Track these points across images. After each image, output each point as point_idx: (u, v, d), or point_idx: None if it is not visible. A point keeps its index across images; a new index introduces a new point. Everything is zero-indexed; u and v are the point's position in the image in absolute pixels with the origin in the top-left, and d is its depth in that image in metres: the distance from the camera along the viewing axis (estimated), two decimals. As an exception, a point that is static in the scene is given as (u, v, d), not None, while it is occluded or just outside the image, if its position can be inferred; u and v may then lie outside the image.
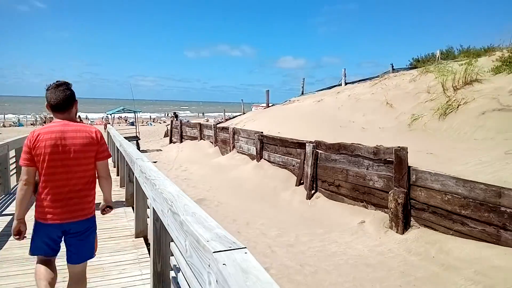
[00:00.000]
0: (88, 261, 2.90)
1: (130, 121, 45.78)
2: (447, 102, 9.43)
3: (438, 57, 19.57)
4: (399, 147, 6.17)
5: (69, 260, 2.79)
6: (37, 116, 52.87)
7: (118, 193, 7.66)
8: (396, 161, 6.12)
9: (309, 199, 8.48)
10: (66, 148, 2.67)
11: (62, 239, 2.80)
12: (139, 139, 21.51)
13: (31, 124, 46.47)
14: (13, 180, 8.11)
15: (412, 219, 5.97)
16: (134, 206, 6.31)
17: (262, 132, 12.16)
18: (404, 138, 8.57)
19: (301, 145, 9.49)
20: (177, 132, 23.08)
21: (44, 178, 2.66)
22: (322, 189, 8.44)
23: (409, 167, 6.00)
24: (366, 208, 7.00)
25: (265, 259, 5.33)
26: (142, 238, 5.07)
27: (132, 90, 22.61)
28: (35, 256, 2.80)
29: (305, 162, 9.03)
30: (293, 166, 9.90)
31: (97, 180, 2.96)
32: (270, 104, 25.09)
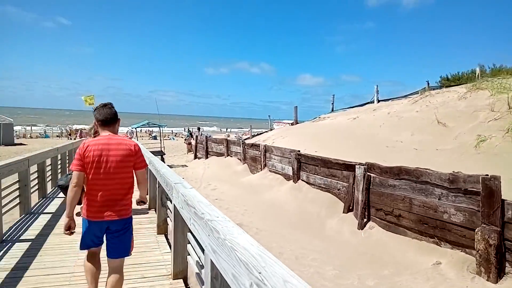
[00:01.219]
0: None
1: (153, 135, 45.69)
2: (516, 121, 8.28)
3: (478, 75, 18.34)
4: (487, 175, 5.10)
5: (108, 255, 3.23)
6: (62, 128, 53.66)
7: (147, 216, 6.82)
8: (485, 193, 5.04)
9: (362, 229, 7.41)
10: (109, 158, 3.14)
11: (104, 236, 3.26)
12: (164, 154, 20.90)
13: (57, 136, 47.02)
14: (34, 198, 7.40)
15: (507, 264, 4.85)
16: (170, 238, 5.43)
17: (299, 151, 11.21)
18: (472, 162, 7.46)
19: (348, 166, 8.48)
20: (202, 148, 22.38)
21: (90, 182, 3.14)
22: (377, 219, 7.36)
23: (502, 200, 4.91)
24: (439, 245, 5.89)
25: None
26: (181, 280, 4.15)
27: (157, 105, 22.18)
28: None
29: (354, 186, 8.00)
30: (338, 190, 8.87)
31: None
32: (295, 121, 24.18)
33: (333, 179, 9.15)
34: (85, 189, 3.22)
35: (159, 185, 5.77)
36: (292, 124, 26.80)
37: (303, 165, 10.69)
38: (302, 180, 10.62)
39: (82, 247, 3.25)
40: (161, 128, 25.02)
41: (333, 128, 15.69)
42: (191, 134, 31.26)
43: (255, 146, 15.35)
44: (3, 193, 5.56)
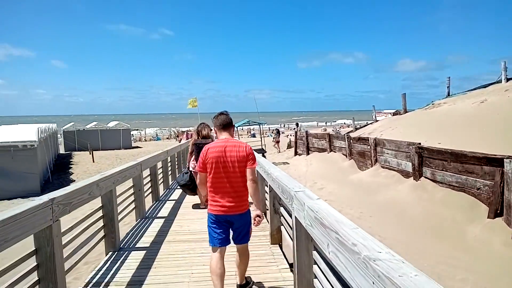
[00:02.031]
0: None
1: (252, 133, 46.61)
2: None
3: None
4: None
5: (235, 241, 3.60)
6: (171, 130, 58.30)
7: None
8: None
9: (519, 240, 5.87)
10: (227, 159, 3.44)
11: (230, 230, 3.58)
12: (265, 151, 20.75)
13: (167, 138, 51.18)
14: (148, 202, 7.50)
15: None
16: (287, 252, 4.83)
17: (419, 143, 9.73)
18: None
19: (492, 160, 6.89)
20: (303, 144, 21.69)
21: (212, 181, 3.47)
22: (542, 227, 5.76)
23: None
24: None
25: None
26: (307, 307, 3.45)
27: (256, 103, 22.14)
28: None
29: (503, 185, 6.43)
30: (478, 189, 7.30)
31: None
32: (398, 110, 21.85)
33: (469, 177, 7.59)
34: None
35: (270, 189, 5.20)
36: (394, 114, 24.45)
37: (426, 160, 9.22)
38: (426, 177, 9.16)
39: (212, 242, 3.56)
40: (261, 126, 25.02)
41: (456, 115, 13.53)
42: (278, 132, 30.76)
43: (362, 139, 14.07)
44: (119, 199, 5.58)
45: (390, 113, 33.47)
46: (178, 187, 8.22)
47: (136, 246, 5.21)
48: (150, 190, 8.09)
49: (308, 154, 20.55)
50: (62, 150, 33.66)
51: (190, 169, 7.42)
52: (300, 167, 16.77)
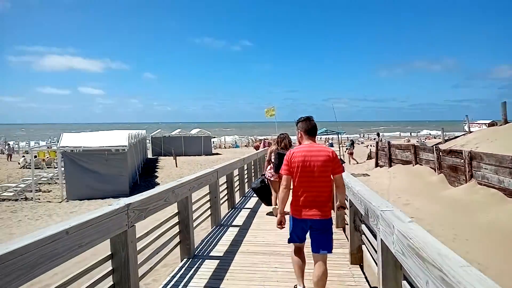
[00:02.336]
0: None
1: (329, 142, 45.45)
2: None
3: None
4: None
5: (312, 249, 3.57)
6: (249, 138, 59.59)
7: (335, 238, 5.86)
8: None
9: None
10: (311, 163, 3.48)
11: (308, 232, 3.63)
12: (344, 162, 19.92)
13: (245, 146, 52.33)
14: (223, 209, 7.47)
15: None
16: (370, 275, 4.37)
17: (528, 158, 8.39)
18: None
19: None
20: (385, 155, 20.38)
21: (296, 184, 3.55)
22: None
23: None
24: None
25: None
26: None
27: (335, 112, 21.44)
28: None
29: None
30: None
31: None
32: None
33: None
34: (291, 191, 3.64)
35: (350, 204, 4.76)
36: (490, 125, 21.78)
37: (537, 177, 7.89)
38: (537, 198, 7.83)
39: (290, 241, 3.70)
40: (339, 135, 24.16)
41: None
42: (353, 144, 29.23)
43: (454, 152, 12.67)
44: (195, 206, 5.59)
45: (485, 124, 30.07)
46: (254, 195, 8.20)
47: (210, 254, 5.18)
48: (226, 198, 8.07)
49: (390, 166, 19.22)
50: (150, 155, 36.18)
51: (267, 176, 7.35)
52: (382, 179, 15.70)
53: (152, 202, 3.63)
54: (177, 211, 4.88)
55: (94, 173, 16.23)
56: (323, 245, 3.51)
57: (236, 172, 9.30)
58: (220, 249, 5.38)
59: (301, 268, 3.58)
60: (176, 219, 4.85)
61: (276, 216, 3.80)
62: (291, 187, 3.61)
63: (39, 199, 15.86)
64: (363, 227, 4.51)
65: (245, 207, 8.47)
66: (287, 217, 3.70)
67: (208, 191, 6.60)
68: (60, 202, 15.34)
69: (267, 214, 7.49)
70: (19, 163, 26.79)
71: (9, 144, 39.34)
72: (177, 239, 4.82)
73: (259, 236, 6.01)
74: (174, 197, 4.29)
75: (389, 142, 20.91)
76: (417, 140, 51.12)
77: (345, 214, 5.45)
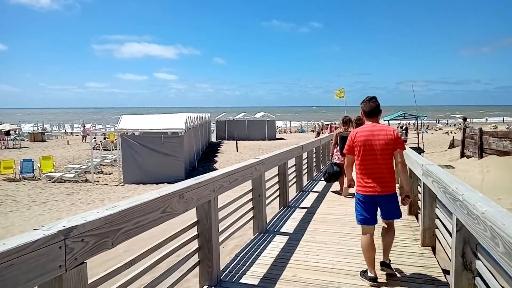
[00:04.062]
0: None
1: (403, 127, 41.62)
2: None
3: None
4: None
5: (382, 216, 3.71)
6: (315, 123, 57.31)
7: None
8: None
9: None
10: (373, 143, 3.58)
11: (377, 210, 3.66)
12: (423, 151, 17.32)
13: (311, 131, 50.35)
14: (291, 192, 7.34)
15: None
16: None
17: None
18: None
19: None
20: (474, 144, 17.33)
21: (359, 163, 3.66)
22: None
23: None
24: None
25: None
26: None
27: (414, 95, 18.71)
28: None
29: None
30: None
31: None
32: None
33: None
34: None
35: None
36: None
37: None
38: None
39: (359, 221, 3.70)
40: (419, 120, 21.28)
41: None
42: (406, 131, 25.61)
43: None
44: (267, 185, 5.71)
45: None
46: (322, 179, 8.49)
47: (281, 230, 5.31)
48: (294, 180, 7.99)
49: (481, 157, 16.22)
50: (214, 139, 36.04)
51: (334, 160, 7.63)
52: (473, 173, 13.08)
53: (134, 218, 2.30)
54: (251, 187, 5.07)
55: (150, 157, 15.80)
56: (391, 213, 3.67)
57: (305, 155, 9.13)
58: (290, 225, 5.58)
59: (370, 257, 3.56)
60: (250, 196, 5.05)
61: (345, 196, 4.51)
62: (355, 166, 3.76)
63: (98, 181, 15.87)
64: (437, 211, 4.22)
65: (313, 190, 8.35)
66: (353, 200, 3.99)
67: (277, 173, 6.67)
68: (117, 185, 15.14)
69: (333, 192, 7.96)
70: (89, 144, 28.00)
71: (84, 126, 41.85)
72: (250, 214, 5.05)
73: (327, 215, 6.13)
74: (183, 204, 2.94)
75: (480, 129, 17.70)
76: (507, 126, 44.75)
77: (418, 199, 5.21)
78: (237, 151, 25.19)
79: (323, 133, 36.24)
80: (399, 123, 36.25)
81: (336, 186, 8.17)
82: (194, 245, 3.49)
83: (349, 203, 6.67)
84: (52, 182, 15.53)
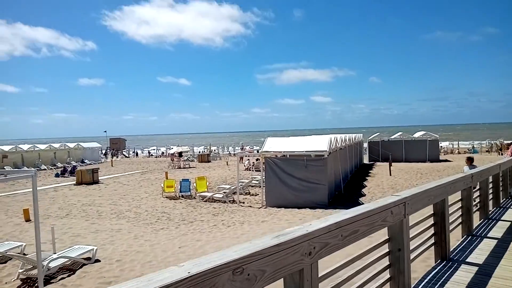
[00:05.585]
0: None
1: None
2: None
3: None
4: None
5: None
6: (491, 142, 47.99)
7: None
8: None
9: None
10: None
11: None
12: None
13: (486, 151, 42.31)
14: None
15: None
16: None
17: None
18: None
19: None
20: None
21: None
22: None
23: None
24: None
25: None
26: None
27: None
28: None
29: None
30: None
31: None
32: None
33: None
34: None
35: None
36: None
37: None
38: None
39: None
40: None
41: None
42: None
43: None
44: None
45: None
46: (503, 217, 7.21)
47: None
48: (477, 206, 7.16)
49: None
50: (366, 160, 33.78)
51: None
52: None
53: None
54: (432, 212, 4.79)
55: (292, 180, 15.25)
56: None
57: (490, 178, 7.80)
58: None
59: None
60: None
61: None
62: None
63: (243, 202, 16.15)
64: None
65: (502, 218, 7.22)
66: None
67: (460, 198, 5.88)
68: (259, 208, 15.05)
69: None
70: (244, 165, 29.69)
71: (243, 147, 45.00)
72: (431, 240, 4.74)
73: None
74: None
75: None
76: None
77: None
78: (390, 175, 22.55)
79: (502, 154, 29.76)
80: None
81: None
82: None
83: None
84: (204, 201, 16.57)
